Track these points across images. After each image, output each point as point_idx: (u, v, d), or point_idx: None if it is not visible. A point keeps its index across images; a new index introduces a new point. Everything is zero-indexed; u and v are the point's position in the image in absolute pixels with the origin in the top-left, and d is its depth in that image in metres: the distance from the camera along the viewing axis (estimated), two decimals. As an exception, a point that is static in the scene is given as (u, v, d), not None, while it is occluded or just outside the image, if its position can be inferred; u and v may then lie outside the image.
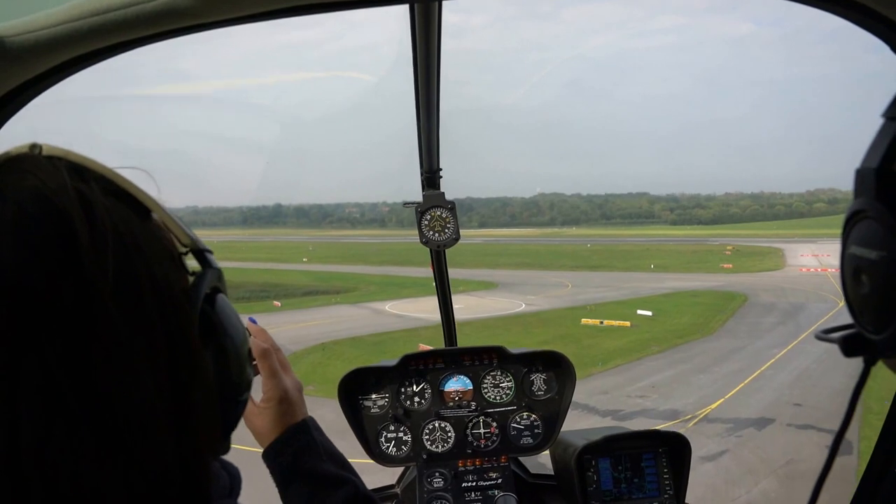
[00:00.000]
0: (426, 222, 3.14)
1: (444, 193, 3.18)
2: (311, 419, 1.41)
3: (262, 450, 1.43)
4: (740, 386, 39.25)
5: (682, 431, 3.08)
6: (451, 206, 3.15)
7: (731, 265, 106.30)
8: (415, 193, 3.20)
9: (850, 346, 0.89)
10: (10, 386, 0.59)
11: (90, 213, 0.66)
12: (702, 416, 34.16)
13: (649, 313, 64.20)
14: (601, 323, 60.01)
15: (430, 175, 3.16)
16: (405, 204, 3.16)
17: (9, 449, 0.59)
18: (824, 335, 0.96)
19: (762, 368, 42.35)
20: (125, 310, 0.65)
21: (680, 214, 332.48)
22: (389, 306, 72.97)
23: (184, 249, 0.83)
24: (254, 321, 1.23)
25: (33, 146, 0.72)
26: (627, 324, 59.24)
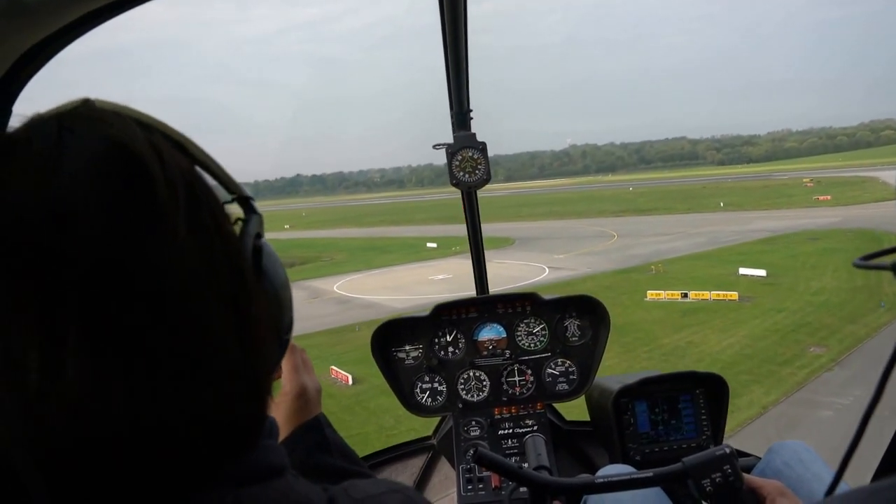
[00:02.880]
0: (457, 163, 3.03)
1: (475, 134, 3.05)
2: (323, 416, 1.37)
3: None
4: None
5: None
6: (482, 147, 3.04)
7: (829, 197, 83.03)
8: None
9: None
10: (88, 311, 0.61)
11: (161, 158, 0.70)
12: None
13: (761, 273, 38.05)
14: (684, 297, 34.15)
15: (461, 115, 3.06)
16: (435, 146, 3.04)
17: (98, 374, 0.61)
18: (864, 262, 0.85)
19: None
20: (195, 245, 0.69)
21: (728, 153, 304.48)
22: (339, 285, 48.37)
23: (230, 198, 0.87)
24: None
25: (86, 101, 0.73)
26: (733, 296, 33.23)
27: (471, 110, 3.07)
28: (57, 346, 0.60)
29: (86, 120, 0.70)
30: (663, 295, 34.64)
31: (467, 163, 3.02)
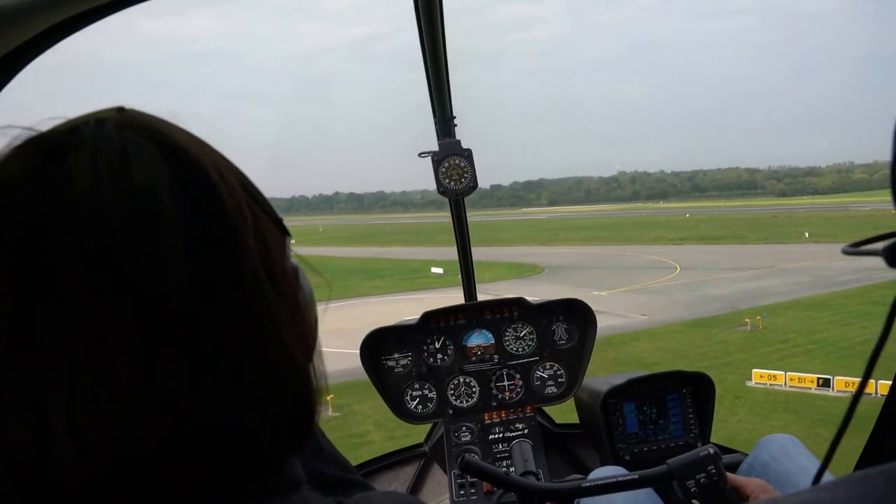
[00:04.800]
0: (443, 171, 3.06)
1: (459, 141, 3.08)
2: (317, 425, 1.38)
3: None
4: None
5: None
6: (467, 154, 3.06)
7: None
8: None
9: None
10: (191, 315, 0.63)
11: (219, 170, 0.70)
12: None
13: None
14: (823, 385, 19.00)
15: (444, 123, 3.09)
16: (421, 154, 3.07)
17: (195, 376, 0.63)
18: (853, 248, 0.85)
19: None
20: (260, 257, 0.70)
21: (789, 184, 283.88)
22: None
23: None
24: None
25: (120, 109, 0.73)
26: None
27: (454, 117, 3.05)
28: (151, 356, 0.61)
29: (141, 129, 0.69)
30: (781, 379, 19.76)
31: (454, 170, 3.02)
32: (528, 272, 49.15)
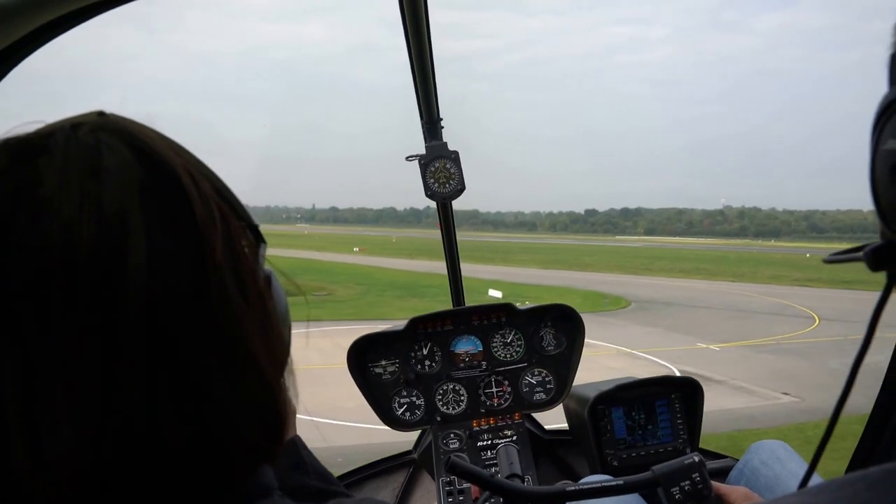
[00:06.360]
0: (431, 173, 3.02)
1: (446, 143, 3.05)
2: (299, 438, 1.30)
3: None
4: None
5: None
6: (454, 157, 3.03)
7: None
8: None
9: (881, 257, 0.75)
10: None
11: (193, 177, 0.69)
12: None
13: None
14: None
15: (431, 125, 3.06)
16: (408, 157, 3.02)
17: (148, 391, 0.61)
18: (836, 256, 0.86)
19: None
20: (230, 268, 0.69)
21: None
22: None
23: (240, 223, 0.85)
24: None
25: (101, 113, 0.72)
26: None
27: (441, 119, 3.00)
28: (111, 369, 0.60)
29: (116, 132, 0.68)
30: None
31: (441, 173, 2.97)
32: (610, 305, 38.45)
